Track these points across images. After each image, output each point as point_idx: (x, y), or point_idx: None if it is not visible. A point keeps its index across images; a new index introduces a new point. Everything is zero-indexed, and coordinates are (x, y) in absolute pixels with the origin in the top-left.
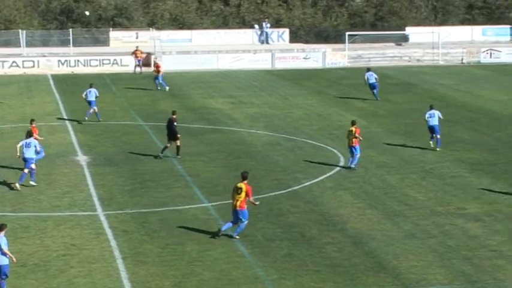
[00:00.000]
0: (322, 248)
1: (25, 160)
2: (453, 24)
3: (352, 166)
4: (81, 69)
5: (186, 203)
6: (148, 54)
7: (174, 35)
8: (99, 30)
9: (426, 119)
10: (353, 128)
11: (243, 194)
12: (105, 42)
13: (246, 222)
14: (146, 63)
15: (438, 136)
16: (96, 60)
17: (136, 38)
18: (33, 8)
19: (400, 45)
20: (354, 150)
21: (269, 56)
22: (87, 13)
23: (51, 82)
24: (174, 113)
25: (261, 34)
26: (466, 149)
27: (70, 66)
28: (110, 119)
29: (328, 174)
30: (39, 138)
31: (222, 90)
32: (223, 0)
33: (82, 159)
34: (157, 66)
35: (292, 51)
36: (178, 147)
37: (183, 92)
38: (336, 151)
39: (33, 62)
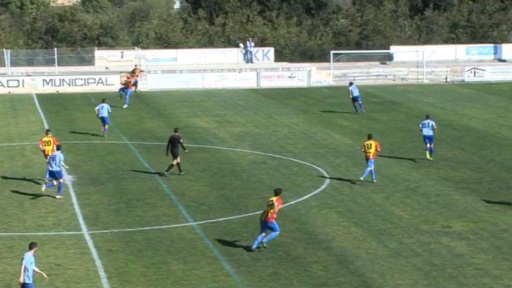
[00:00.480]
0: (308, 267)
1: (52, 173)
2: (437, 43)
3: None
4: (66, 89)
5: (172, 222)
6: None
7: (159, 54)
8: (84, 49)
9: (421, 128)
10: (371, 142)
11: (273, 208)
12: (90, 61)
13: (278, 232)
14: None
15: (431, 146)
16: (81, 79)
17: (122, 57)
18: (18, 28)
19: (384, 64)
20: (368, 162)
21: (254, 74)
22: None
23: (36, 101)
24: (176, 130)
25: (246, 53)
26: (450, 167)
27: (55, 85)
28: (95, 138)
29: (313, 193)
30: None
31: (208, 109)
32: (208, 20)
33: (67, 178)
34: (129, 78)
35: (278, 70)
36: (178, 164)
37: (168, 111)
38: (321, 169)
39: (18, 81)
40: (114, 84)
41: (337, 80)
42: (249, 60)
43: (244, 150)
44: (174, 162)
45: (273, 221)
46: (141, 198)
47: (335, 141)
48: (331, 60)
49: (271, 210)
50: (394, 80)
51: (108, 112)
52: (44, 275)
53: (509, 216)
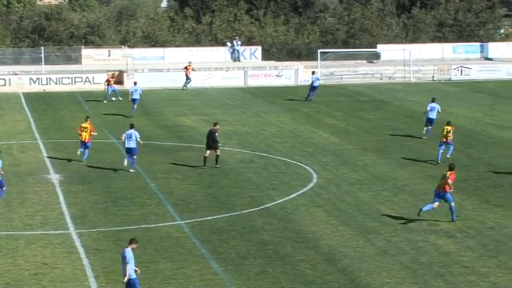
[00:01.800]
0: (296, 266)
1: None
2: (424, 41)
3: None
4: (52, 88)
5: (159, 220)
6: (121, 72)
7: (146, 52)
8: (71, 48)
9: (427, 110)
10: (449, 127)
11: (447, 180)
12: (77, 60)
13: (453, 203)
14: (118, 81)
15: (430, 127)
16: (68, 78)
17: (109, 56)
18: (5, 26)
19: (371, 62)
20: (450, 144)
21: (242, 73)
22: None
23: (23, 100)
24: (216, 124)
25: (233, 52)
26: (437, 165)
27: (42, 84)
28: None
29: (301, 192)
30: (94, 134)
31: (195, 108)
32: (196, 18)
33: (54, 177)
34: (111, 77)
35: (265, 69)
36: (217, 156)
37: (155, 109)
38: (308, 168)
39: (5, 80)
40: (101, 83)
41: (325, 79)
42: (236, 59)
43: (231, 149)
44: (218, 153)
45: (447, 193)
46: (128, 197)
47: (322, 140)
48: (319, 58)
49: (446, 183)
50: (381, 79)
51: (140, 95)
52: (138, 270)
53: (496, 214)
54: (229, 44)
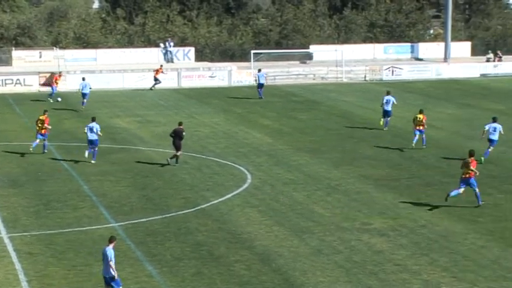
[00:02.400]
0: (231, 266)
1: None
2: (356, 42)
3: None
4: None
5: (93, 223)
6: (53, 74)
7: (78, 54)
8: (1, 49)
9: (382, 103)
10: (421, 115)
11: (471, 167)
12: (7, 61)
13: (477, 189)
14: (49, 82)
15: (388, 119)
16: None
17: (40, 57)
18: None
19: (304, 63)
20: (422, 132)
21: (175, 74)
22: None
23: None
24: (180, 124)
25: (166, 53)
26: (370, 165)
27: None
28: (13, 140)
29: (235, 192)
30: (48, 127)
31: (128, 109)
32: (128, 19)
33: None
34: (55, 78)
35: (198, 70)
36: (177, 158)
37: (88, 111)
38: (243, 169)
39: None
40: (33, 85)
41: None
42: (169, 60)
43: (165, 150)
44: (178, 154)
45: (472, 178)
46: (61, 199)
47: (256, 141)
48: (252, 59)
49: (471, 170)
50: (314, 79)
51: (90, 89)
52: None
53: (427, 213)
54: (162, 45)
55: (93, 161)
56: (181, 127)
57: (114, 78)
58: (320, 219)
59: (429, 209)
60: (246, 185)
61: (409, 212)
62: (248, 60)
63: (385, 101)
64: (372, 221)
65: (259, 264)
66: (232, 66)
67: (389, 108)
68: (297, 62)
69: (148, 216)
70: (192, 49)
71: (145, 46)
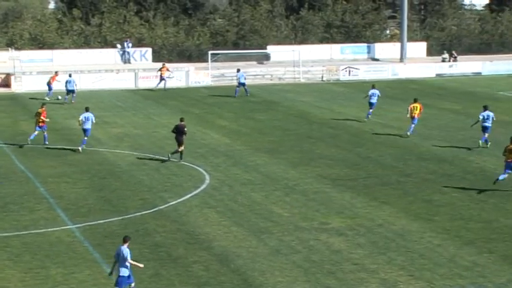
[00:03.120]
0: (189, 267)
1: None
2: (313, 42)
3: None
4: None
5: (50, 225)
6: (8, 75)
7: (34, 54)
8: None
9: (368, 95)
10: (417, 105)
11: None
12: None
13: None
14: (5, 84)
15: (371, 111)
16: None
17: None
18: None
19: (262, 63)
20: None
21: (132, 75)
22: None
23: None
24: (182, 120)
25: (123, 54)
26: (327, 165)
27: None
28: None
29: (193, 193)
30: (46, 120)
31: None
32: (84, 20)
33: None
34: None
35: (155, 71)
36: (181, 152)
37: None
38: (201, 169)
39: None
40: None
41: (216, 80)
42: (126, 61)
43: (123, 152)
44: (180, 149)
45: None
46: (17, 202)
47: (214, 141)
48: (209, 60)
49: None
50: (271, 80)
51: (75, 85)
52: (140, 265)
53: (385, 212)
54: (119, 45)
55: (80, 148)
56: (183, 123)
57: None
58: (278, 219)
59: (386, 208)
60: (204, 186)
61: (366, 211)
62: (206, 60)
63: (370, 93)
64: (330, 221)
65: (217, 265)
66: (189, 66)
67: (374, 100)
68: (255, 63)
69: (106, 217)
70: (149, 50)
71: (102, 47)
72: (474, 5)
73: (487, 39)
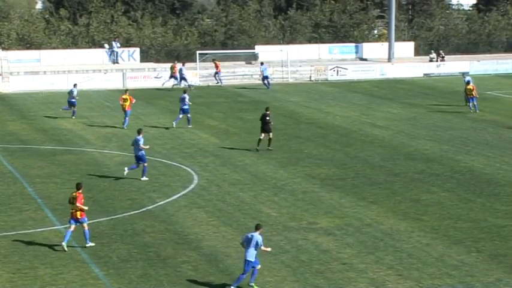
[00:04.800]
0: (178, 267)
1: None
2: (301, 42)
3: None
4: None
5: (38, 226)
6: None
7: (21, 55)
8: None
9: None
10: (471, 86)
11: None
12: None
13: None
14: None
15: None
16: None
17: None
18: None
19: (250, 63)
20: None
21: (120, 75)
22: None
23: None
24: (267, 109)
25: (111, 54)
26: (316, 164)
27: None
28: None
29: (182, 193)
30: (133, 101)
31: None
32: (72, 20)
33: None
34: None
35: (144, 71)
36: (270, 140)
37: (32, 113)
38: (189, 169)
39: None
40: None
41: (204, 80)
42: (114, 61)
43: (111, 152)
44: (262, 137)
45: None
46: (5, 202)
47: (203, 141)
48: (197, 60)
49: None
50: (260, 80)
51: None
52: (268, 249)
53: (373, 211)
54: (107, 45)
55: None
56: (268, 112)
57: (58, 79)
58: (267, 219)
59: (374, 208)
60: (192, 186)
61: (355, 211)
62: (194, 60)
63: None
64: (319, 220)
65: (206, 264)
66: (178, 66)
67: None
68: (243, 63)
69: (94, 218)
70: (137, 50)
71: (89, 47)
72: (461, 5)
73: (474, 39)
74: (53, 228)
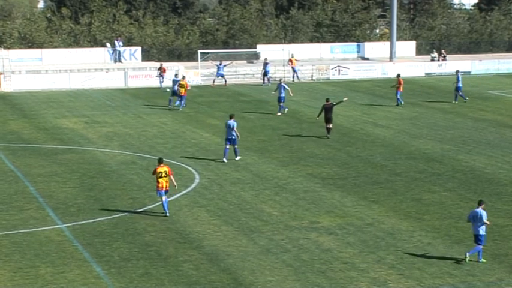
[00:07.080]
0: (179, 266)
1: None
2: (302, 41)
3: None
4: None
5: (39, 225)
6: None
7: (23, 54)
8: None
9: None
10: None
11: None
12: None
13: None
14: None
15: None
16: None
17: None
18: None
19: (251, 63)
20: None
21: (122, 74)
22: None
23: None
24: (328, 100)
25: (114, 53)
26: (317, 164)
27: None
28: None
29: (183, 192)
30: (189, 88)
31: (75, 110)
32: (74, 19)
33: None
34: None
35: (145, 70)
36: (329, 129)
37: (34, 112)
38: (191, 168)
39: None
40: None
41: (206, 79)
42: (116, 60)
43: (113, 151)
44: (331, 126)
45: None
46: (7, 201)
47: (204, 140)
48: (199, 59)
49: None
50: (261, 79)
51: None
52: (488, 222)
53: (374, 211)
54: (108, 44)
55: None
56: (328, 103)
57: (60, 78)
58: (268, 218)
59: (375, 207)
60: (194, 185)
61: (356, 210)
62: (195, 59)
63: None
64: (320, 220)
65: (207, 264)
66: (179, 65)
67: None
68: (244, 62)
69: (96, 217)
70: (139, 49)
71: (91, 46)
72: (463, 5)
73: (476, 39)
74: (55, 227)
